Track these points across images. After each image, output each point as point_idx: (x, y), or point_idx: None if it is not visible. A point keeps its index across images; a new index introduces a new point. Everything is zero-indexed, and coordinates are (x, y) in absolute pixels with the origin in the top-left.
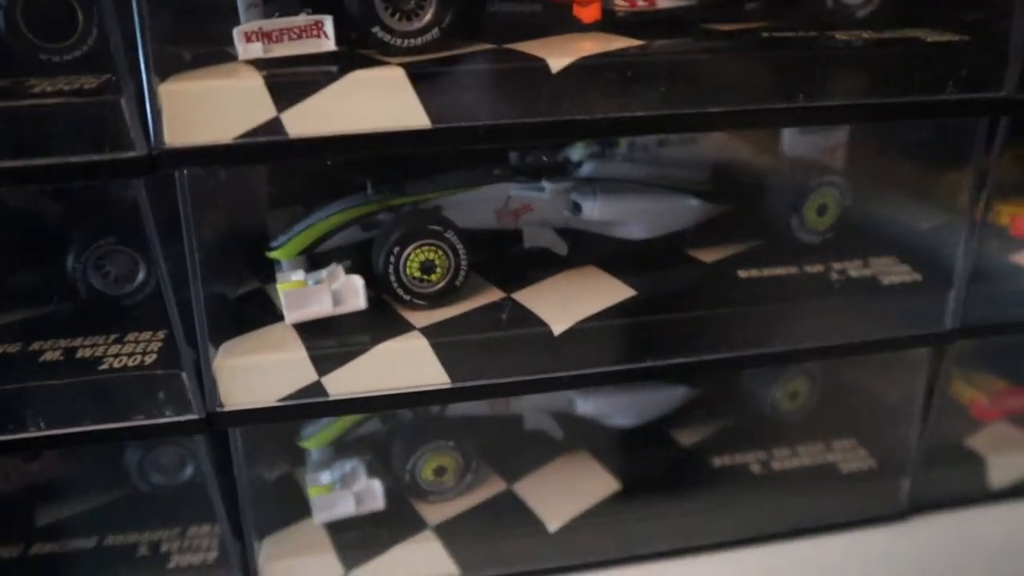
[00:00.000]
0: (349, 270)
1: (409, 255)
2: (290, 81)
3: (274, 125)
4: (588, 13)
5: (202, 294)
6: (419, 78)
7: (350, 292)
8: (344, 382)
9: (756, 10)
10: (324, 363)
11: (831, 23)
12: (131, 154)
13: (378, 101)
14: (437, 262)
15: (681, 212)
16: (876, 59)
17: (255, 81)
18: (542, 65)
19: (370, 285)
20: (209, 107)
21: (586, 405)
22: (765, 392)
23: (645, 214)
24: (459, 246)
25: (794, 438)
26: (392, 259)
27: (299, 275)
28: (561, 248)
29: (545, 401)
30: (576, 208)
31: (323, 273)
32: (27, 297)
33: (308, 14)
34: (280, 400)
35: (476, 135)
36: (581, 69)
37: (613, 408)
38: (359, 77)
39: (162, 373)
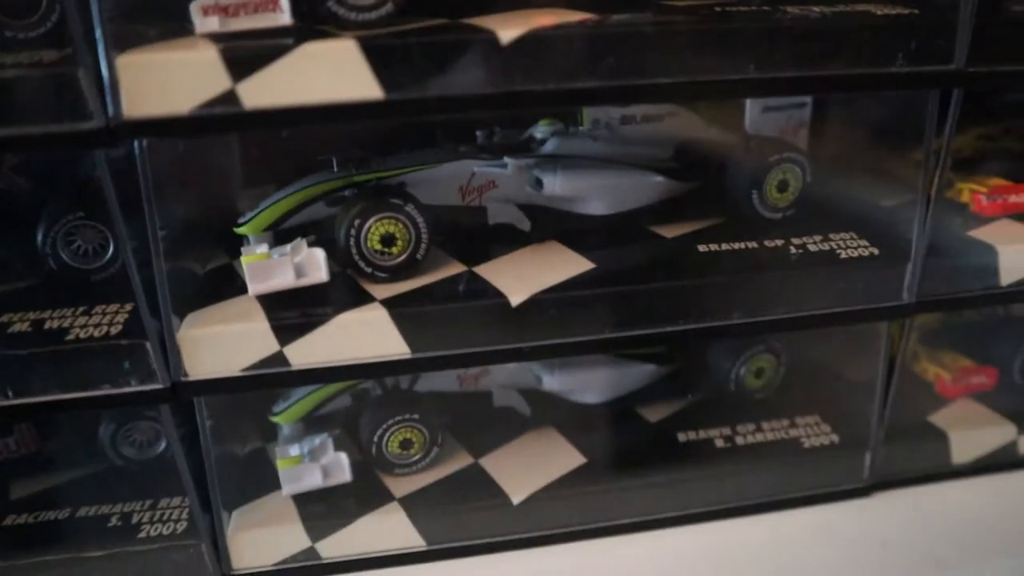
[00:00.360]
0: (312, 244)
1: (370, 228)
2: (245, 53)
3: (230, 96)
4: None
5: (165, 266)
6: (371, 50)
7: (312, 264)
8: (306, 352)
9: None
10: (286, 333)
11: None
12: (89, 125)
13: (331, 73)
14: (398, 235)
15: (643, 188)
16: (827, 32)
17: (211, 53)
18: (491, 37)
19: (333, 259)
20: (166, 79)
21: (552, 381)
22: (730, 369)
23: (607, 190)
24: (420, 219)
25: (759, 414)
26: (353, 232)
27: (263, 248)
28: (524, 224)
29: (513, 378)
30: (538, 184)
31: (287, 247)
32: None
33: None
34: (243, 370)
35: (428, 106)
36: (532, 41)
37: (580, 385)
38: (312, 49)
39: (127, 343)
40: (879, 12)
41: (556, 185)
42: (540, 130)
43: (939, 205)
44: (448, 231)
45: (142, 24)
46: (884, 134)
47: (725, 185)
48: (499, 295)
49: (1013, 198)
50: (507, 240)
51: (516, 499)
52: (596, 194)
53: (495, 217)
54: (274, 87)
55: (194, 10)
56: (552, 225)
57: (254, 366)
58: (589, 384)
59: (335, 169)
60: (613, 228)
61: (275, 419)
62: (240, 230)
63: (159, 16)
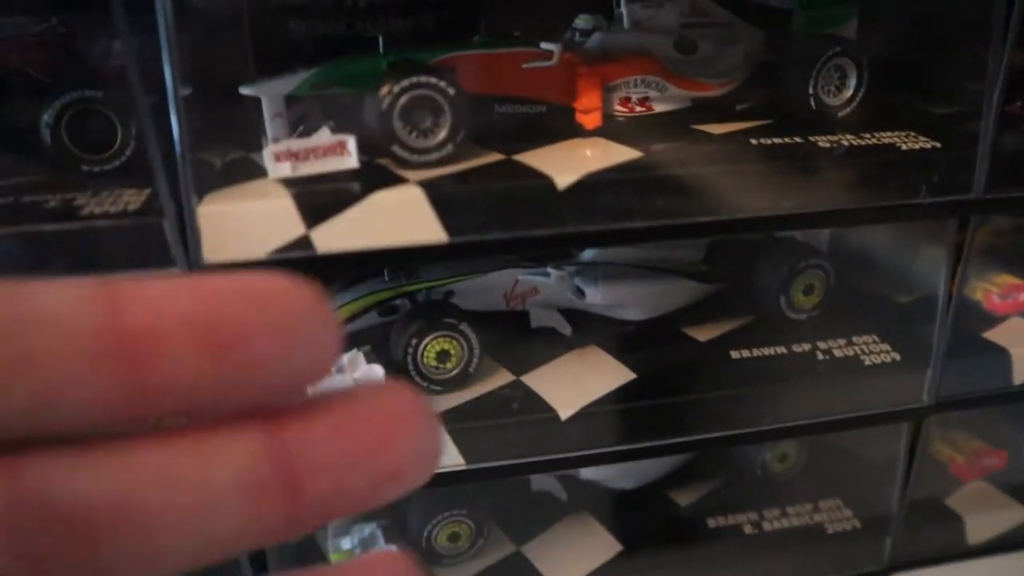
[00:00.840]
0: (368, 356)
1: (426, 346)
2: (318, 201)
3: (304, 242)
4: (590, 120)
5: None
6: (436, 197)
7: (371, 381)
8: None
9: (745, 110)
10: None
11: (814, 123)
12: (173, 271)
13: (399, 218)
14: (452, 352)
15: (677, 293)
16: (856, 167)
17: (286, 202)
18: (549, 183)
19: (387, 369)
20: (244, 227)
21: (589, 469)
22: (756, 455)
23: (644, 297)
24: (472, 336)
25: (783, 499)
26: (411, 349)
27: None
28: (565, 328)
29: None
30: (580, 292)
31: (344, 360)
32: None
33: (331, 129)
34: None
35: (489, 247)
36: (584, 185)
37: (614, 472)
38: (381, 197)
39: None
40: (904, 147)
41: (597, 295)
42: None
43: (958, 304)
44: (494, 335)
45: (210, 155)
46: (902, 237)
47: (753, 287)
48: (549, 409)
49: (1023, 296)
50: (549, 343)
51: None
52: (634, 301)
53: (537, 321)
54: (345, 233)
55: (268, 156)
56: (592, 329)
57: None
58: (624, 471)
59: (386, 278)
60: (650, 332)
61: None
62: None
63: (224, 145)
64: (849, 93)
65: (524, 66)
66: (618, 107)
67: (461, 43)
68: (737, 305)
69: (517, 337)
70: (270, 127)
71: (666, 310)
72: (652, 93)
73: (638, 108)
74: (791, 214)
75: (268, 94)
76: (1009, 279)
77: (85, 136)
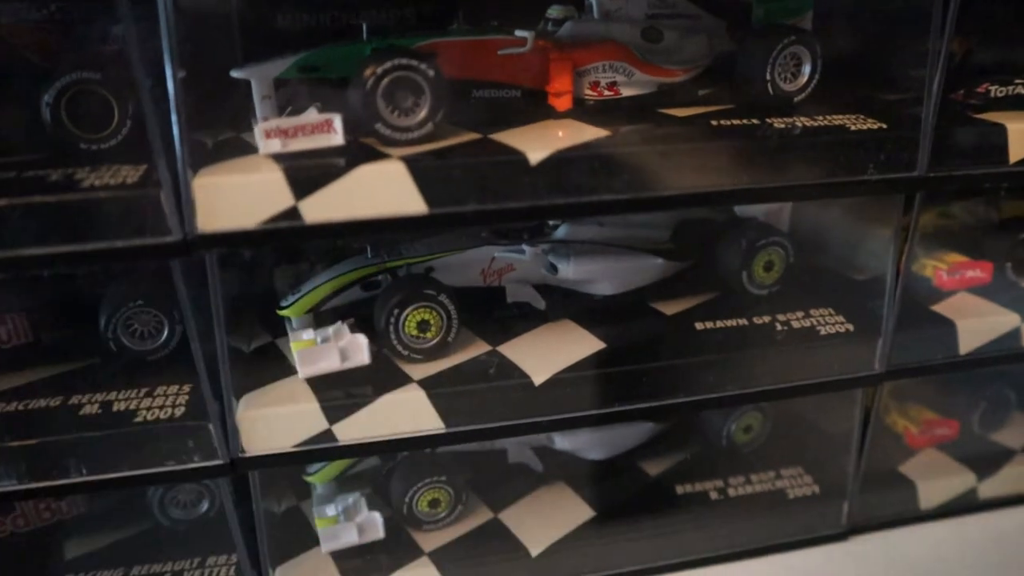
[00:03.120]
0: (352, 328)
1: (407, 316)
2: (306, 175)
3: (292, 212)
4: (562, 103)
5: (227, 353)
6: (418, 171)
7: (355, 349)
8: (352, 429)
9: (707, 95)
10: (334, 413)
11: (771, 107)
12: (168, 239)
13: (382, 191)
14: (432, 322)
15: (645, 270)
16: (809, 145)
17: (276, 175)
18: (522, 158)
19: (371, 340)
20: (236, 198)
21: (563, 440)
22: (722, 426)
23: (613, 273)
24: (451, 307)
25: (748, 467)
26: (392, 319)
27: (309, 333)
28: (539, 303)
29: (526, 437)
30: (553, 268)
31: (329, 331)
32: (65, 354)
33: (318, 109)
34: (295, 446)
35: (466, 219)
36: (556, 160)
37: (587, 443)
38: (366, 171)
39: (192, 424)
40: (853, 128)
41: (569, 270)
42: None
43: (906, 279)
44: (472, 309)
45: (203, 135)
46: (855, 216)
47: (716, 264)
48: (524, 375)
49: (970, 273)
50: (524, 317)
51: (534, 551)
52: (604, 276)
53: (513, 296)
54: (332, 204)
55: (258, 133)
56: (565, 304)
57: (305, 442)
58: (596, 442)
59: (369, 255)
60: (619, 306)
61: (310, 479)
62: (284, 312)
63: (216, 125)
64: (804, 79)
65: (500, 52)
66: (588, 91)
67: (440, 31)
68: (702, 281)
69: (494, 311)
70: (259, 108)
71: (635, 286)
72: (620, 78)
73: (607, 92)
74: (748, 189)
75: (258, 77)
76: (957, 257)
77: (84, 116)
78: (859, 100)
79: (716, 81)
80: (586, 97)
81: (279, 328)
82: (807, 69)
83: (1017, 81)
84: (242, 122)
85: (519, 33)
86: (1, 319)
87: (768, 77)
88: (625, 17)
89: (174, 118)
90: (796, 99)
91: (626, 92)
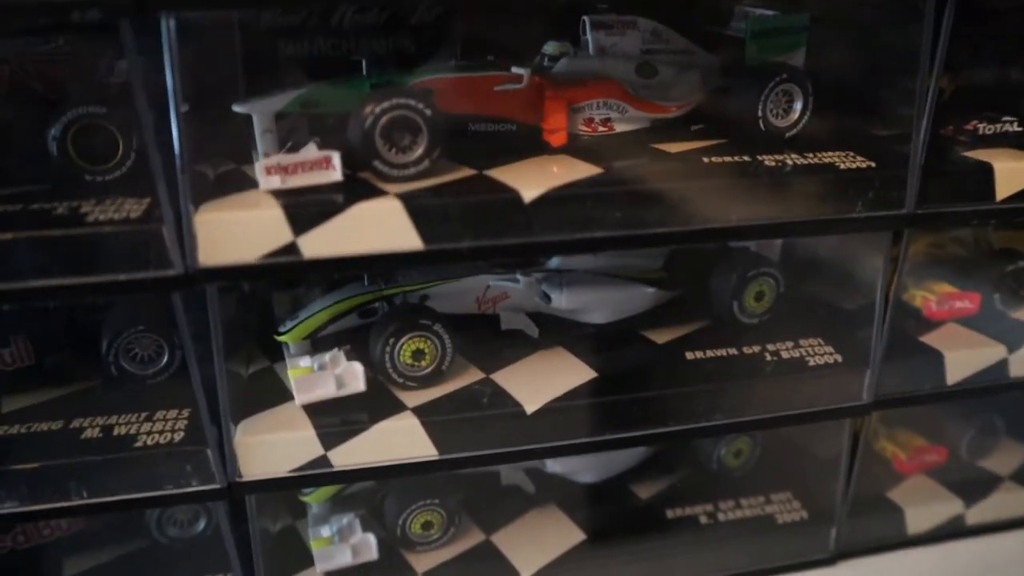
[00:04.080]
0: (349, 355)
1: (403, 345)
2: (305, 212)
3: (291, 248)
4: (556, 139)
5: (226, 381)
6: (413, 208)
7: (351, 376)
8: (347, 455)
9: (700, 131)
10: (330, 439)
11: (763, 142)
12: (171, 272)
13: (379, 227)
14: (426, 351)
15: (637, 299)
16: (798, 184)
17: (276, 212)
18: (516, 196)
19: (367, 367)
20: (237, 233)
21: (554, 464)
22: (712, 451)
23: (606, 302)
24: (445, 336)
25: (737, 492)
26: (388, 348)
27: (306, 360)
28: (533, 331)
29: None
30: (546, 297)
31: (327, 358)
32: (66, 377)
33: (317, 144)
34: (291, 471)
35: (461, 255)
36: (549, 199)
37: (579, 466)
38: (363, 208)
39: (190, 449)
40: (842, 167)
41: (563, 300)
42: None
43: (895, 310)
44: (467, 336)
45: (204, 167)
46: (846, 247)
47: (708, 293)
48: (516, 404)
49: (958, 304)
50: (517, 344)
51: (526, 574)
52: (597, 305)
53: (507, 324)
54: (330, 240)
55: (259, 170)
56: (557, 332)
57: (301, 468)
58: (588, 466)
59: (366, 283)
60: (611, 334)
61: (305, 499)
62: (281, 338)
63: (216, 157)
64: (795, 116)
65: (496, 88)
66: (582, 127)
67: (438, 67)
68: (693, 310)
69: (488, 338)
70: (261, 142)
71: (627, 315)
72: (614, 115)
73: (601, 128)
74: (739, 226)
75: (259, 112)
76: (946, 287)
77: (89, 149)
78: (849, 137)
79: (709, 117)
80: (581, 132)
81: (276, 352)
82: (798, 106)
83: (1005, 119)
84: (242, 154)
85: (515, 70)
86: (4, 342)
87: (760, 114)
88: (620, 53)
89: (177, 153)
90: (787, 135)
91: (620, 128)
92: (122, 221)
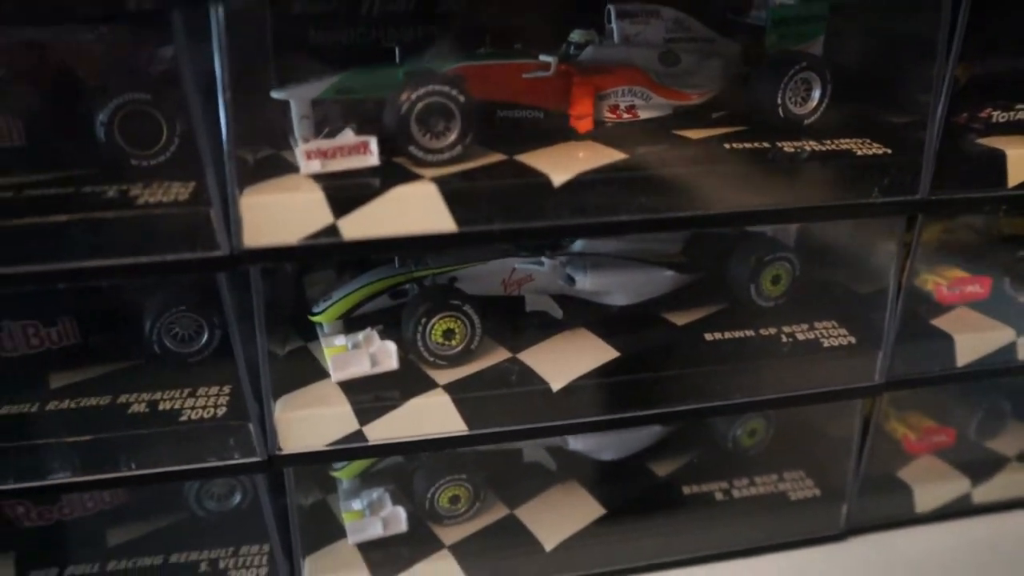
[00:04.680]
0: (382, 334)
1: (434, 325)
2: (345, 194)
3: (332, 230)
4: (583, 125)
5: (267, 359)
6: (448, 192)
7: (384, 355)
8: (381, 430)
9: (721, 118)
10: (365, 415)
11: (782, 129)
12: (217, 253)
13: (415, 210)
14: (457, 330)
15: (658, 282)
16: (816, 170)
17: (317, 195)
18: (546, 181)
19: (399, 347)
20: (280, 215)
21: (576, 442)
22: (728, 430)
23: (627, 285)
24: (475, 316)
25: (751, 470)
26: (420, 328)
27: (340, 339)
28: (557, 312)
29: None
30: (570, 280)
31: (360, 337)
32: (110, 355)
33: (353, 130)
34: (328, 445)
35: (493, 237)
36: (577, 183)
37: (599, 444)
38: (400, 191)
39: (233, 423)
40: (859, 152)
41: (586, 282)
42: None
43: (907, 294)
44: (494, 317)
45: (244, 151)
46: (860, 233)
47: (726, 277)
48: (542, 382)
49: (969, 288)
50: (543, 326)
51: (548, 546)
52: (619, 288)
53: (532, 305)
54: (369, 222)
55: (299, 154)
56: (581, 313)
57: (337, 442)
58: (608, 444)
59: (396, 265)
60: (632, 316)
61: (337, 475)
62: (316, 318)
63: (256, 142)
64: (814, 103)
65: (524, 76)
66: (608, 114)
67: (469, 54)
68: (712, 293)
69: (514, 319)
70: (298, 128)
71: (648, 297)
72: (638, 101)
73: (625, 115)
74: (758, 211)
75: (297, 98)
76: (957, 272)
77: (135, 134)
78: (866, 124)
79: (730, 104)
80: (606, 119)
81: (310, 332)
82: (817, 94)
83: (1019, 107)
84: (278, 140)
85: (543, 58)
86: (51, 322)
87: (779, 101)
88: (644, 42)
89: (224, 138)
90: (806, 122)
91: (644, 115)
92: (171, 204)
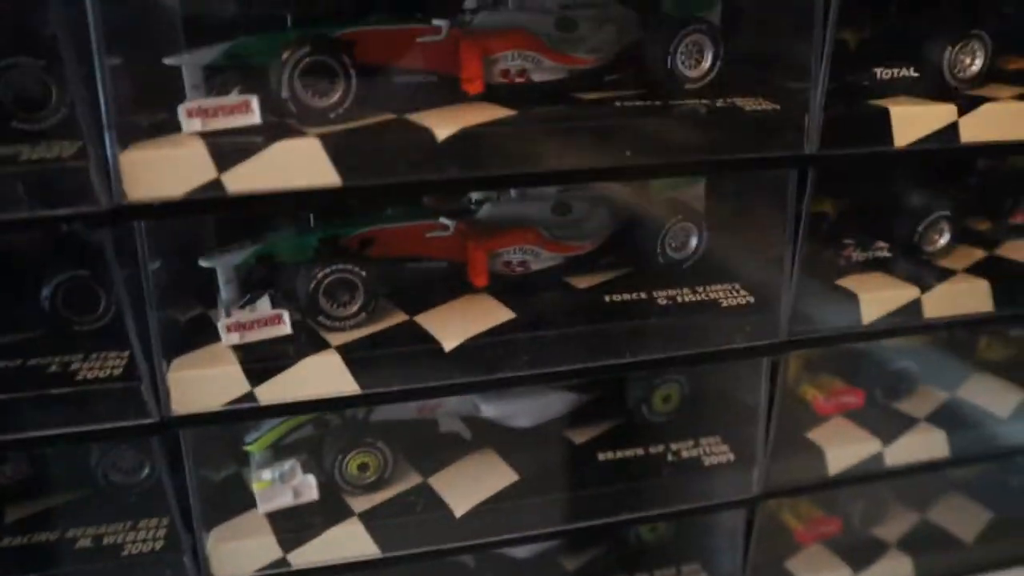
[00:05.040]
0: (305, 463)
1: (349, 460)
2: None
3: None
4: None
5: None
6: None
7: (306, 487)
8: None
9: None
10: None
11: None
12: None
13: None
14: (371, 463)
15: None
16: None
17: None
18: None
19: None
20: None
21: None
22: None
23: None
24: (387, 451)
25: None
26: (336, 462)
27: (267, 475)
28: (466, 434)
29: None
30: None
31: (285, 467)
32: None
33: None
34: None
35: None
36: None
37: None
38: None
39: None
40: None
41: (491, 409)
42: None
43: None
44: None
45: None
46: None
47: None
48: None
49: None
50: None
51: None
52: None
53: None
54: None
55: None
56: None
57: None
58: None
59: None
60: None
61: (248, 448)
62: (249, 448)
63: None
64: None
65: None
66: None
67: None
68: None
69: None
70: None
71: (549, 418)
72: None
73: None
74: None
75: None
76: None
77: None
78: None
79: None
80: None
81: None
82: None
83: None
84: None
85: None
86: None
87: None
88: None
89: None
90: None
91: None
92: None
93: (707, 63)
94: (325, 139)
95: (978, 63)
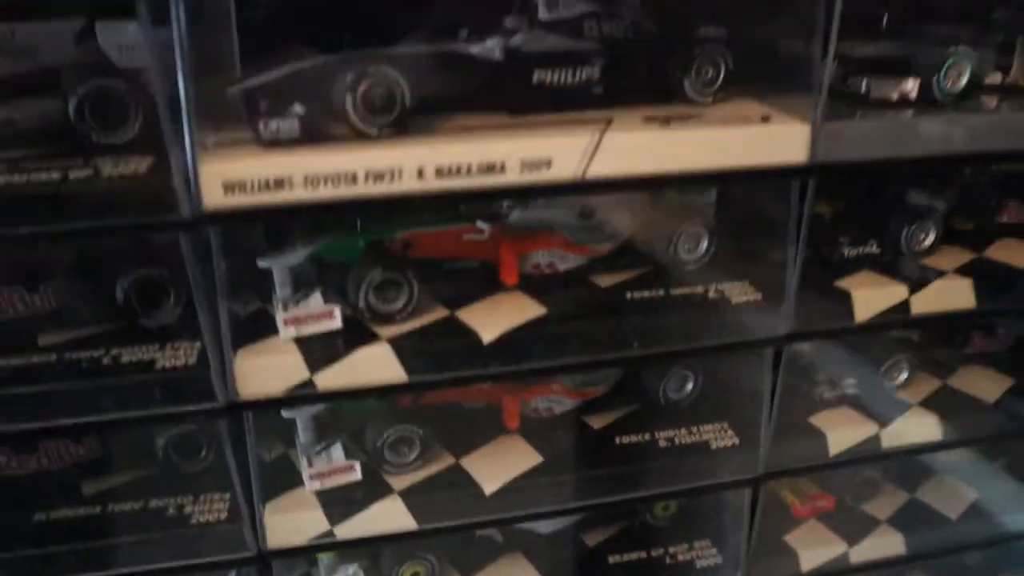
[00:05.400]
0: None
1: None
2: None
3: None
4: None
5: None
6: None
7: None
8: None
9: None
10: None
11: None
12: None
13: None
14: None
15: None
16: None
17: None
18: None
19: None
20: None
21: None
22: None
23: None
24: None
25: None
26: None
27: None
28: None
29: None
30: None
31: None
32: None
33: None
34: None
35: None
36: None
37: None
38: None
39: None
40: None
41: None
42: None
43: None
44: None
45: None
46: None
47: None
48: None
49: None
50: None
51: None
52: None
53: None
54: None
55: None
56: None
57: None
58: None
59: None
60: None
61: None
62: None
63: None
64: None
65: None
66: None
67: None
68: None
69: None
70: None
71: None
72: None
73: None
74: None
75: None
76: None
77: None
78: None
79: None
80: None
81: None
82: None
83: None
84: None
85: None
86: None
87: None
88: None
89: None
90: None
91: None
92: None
93: (702, 249)
94: (394, 344)
95: (930, 239)
